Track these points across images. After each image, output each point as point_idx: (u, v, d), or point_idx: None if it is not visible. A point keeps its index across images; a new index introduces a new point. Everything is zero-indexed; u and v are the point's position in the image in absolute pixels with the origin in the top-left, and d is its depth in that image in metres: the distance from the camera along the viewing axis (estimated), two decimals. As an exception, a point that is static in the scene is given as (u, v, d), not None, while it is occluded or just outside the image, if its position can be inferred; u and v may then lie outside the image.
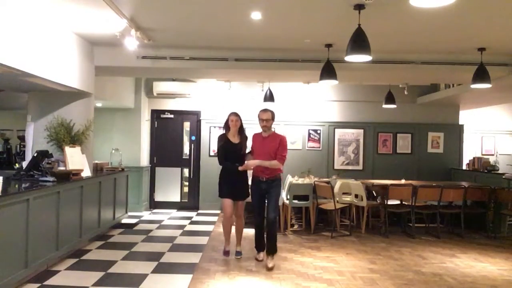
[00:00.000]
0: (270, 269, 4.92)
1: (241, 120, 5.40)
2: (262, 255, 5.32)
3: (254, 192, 5.32)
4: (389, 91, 8.36)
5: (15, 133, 7.97)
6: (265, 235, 5.31)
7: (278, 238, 5.41)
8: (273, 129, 5.39)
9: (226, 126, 5.38)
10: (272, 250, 5.17)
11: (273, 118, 5.27)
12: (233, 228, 5.62)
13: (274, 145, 5.15)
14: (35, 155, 5.25)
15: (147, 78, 8.96)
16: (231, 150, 5.29)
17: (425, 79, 7.94)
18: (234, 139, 5.34)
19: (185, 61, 6.40)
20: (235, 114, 5.39)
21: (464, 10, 4.36)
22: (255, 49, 6.27)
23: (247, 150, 5.45)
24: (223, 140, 5.34)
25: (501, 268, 5.24)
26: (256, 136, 5.36)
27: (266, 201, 5.22)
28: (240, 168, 5.18)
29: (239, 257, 5.42)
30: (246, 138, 5.43)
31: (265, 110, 5.28)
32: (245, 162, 5.25)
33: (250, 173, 5.44)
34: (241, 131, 5.39)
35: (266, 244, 5.26)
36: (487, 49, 5.90)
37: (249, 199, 5.48)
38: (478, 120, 10.82)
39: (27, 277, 4.26)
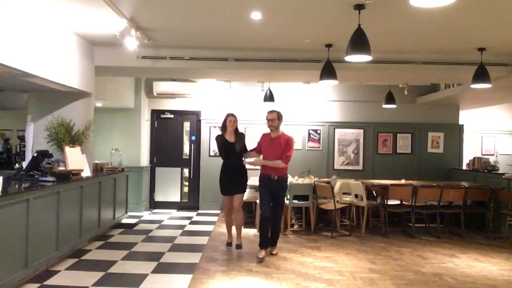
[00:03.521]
0: (274, 255, 5.45)
1: (237, 121, 5.79)
2: (264, 253, 5.34)
3: (263, 188, 5.48)
4: (389, 91, 8.36)
5: (15, 133, 7.97)
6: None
7: (279, 237, 5.61)
8: (281, 131, 5.53)
9: (224, 126, 5.77)
10: (275, 243, 5.60)
11: (279, 118, 5.46)
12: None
13: (281, 145, 5.37)
14: (35, 155, 5.25)
15: (147, 78, 8.96)
16: (228, 149, 5.68)
17: (425, 79, 7.94)
18: (231, 138, 5.72)
19: (185, 61, 6.40)
20: (233, 115, 5.79)
21: (464, 10, 4.37)
22: (255, 49, 6.28)
23: (249, 148, 5.80)
24: (221, 140, 5.74)
25: (501, 268, 5.23)
26: (265, 136, 5.63)
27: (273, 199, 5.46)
28: (246, 160, 5.68)
29: (239, 249, 5.66)
30: (242, 136, 5.85)
31: (271, 111, 5.51)
32: (253, 159, 5.68)
33: (249, 168, 5.77)
34: (236, 131, 5.77)
35: (270, 239, 5.52)
36: (487, 49, 5.91)
37: (249, 197, 5.58)
38: (478, 120, 10.82)
39: (27, 277, 4.26)
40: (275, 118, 5.42)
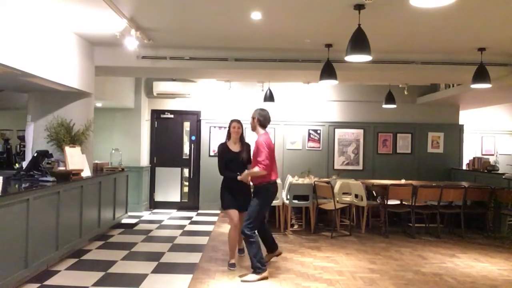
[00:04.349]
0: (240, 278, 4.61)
1: (242, 128, 5.23)
2: (266, 258, 5.12)
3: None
4: (389, 91, 8.36)
5: (15, 133, 7.97)
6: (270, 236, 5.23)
7: (279, 237, 5.40)
8: (263, 132, 4.86)
9: (228, 133, 5.20)
10: (252, 264, 4.69)
11: (246, 125, 5.14)
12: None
13: (254, 150, 4.84)
14: (35, 155, 5.25)
15: (147, 78, 8.96)
16: (231, 159, 5.08)
17: (425, 79, 7.94)
18: (235, 147, 5.14)
19: (185, 61, 6.40)
20: (237, 121, 5.18)
21: (464, 10, 4.36)
22: (255, 49, 6.27)
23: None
24: (223, 149, 5.15)
25: (501, 268, 5.24)
26: None
27: None
28: (238, 178, 4.88)
29: (241, 255, 5.43)
30: (248, 146, 5.22)
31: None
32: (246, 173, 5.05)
33: None
34: (242, 139, 5.21)
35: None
36: (487, 49, 5.91)
37: None
38: (478, 120, 10.82)
39: (27, 277, 4.25)
40: (239, 126, 5.11)
